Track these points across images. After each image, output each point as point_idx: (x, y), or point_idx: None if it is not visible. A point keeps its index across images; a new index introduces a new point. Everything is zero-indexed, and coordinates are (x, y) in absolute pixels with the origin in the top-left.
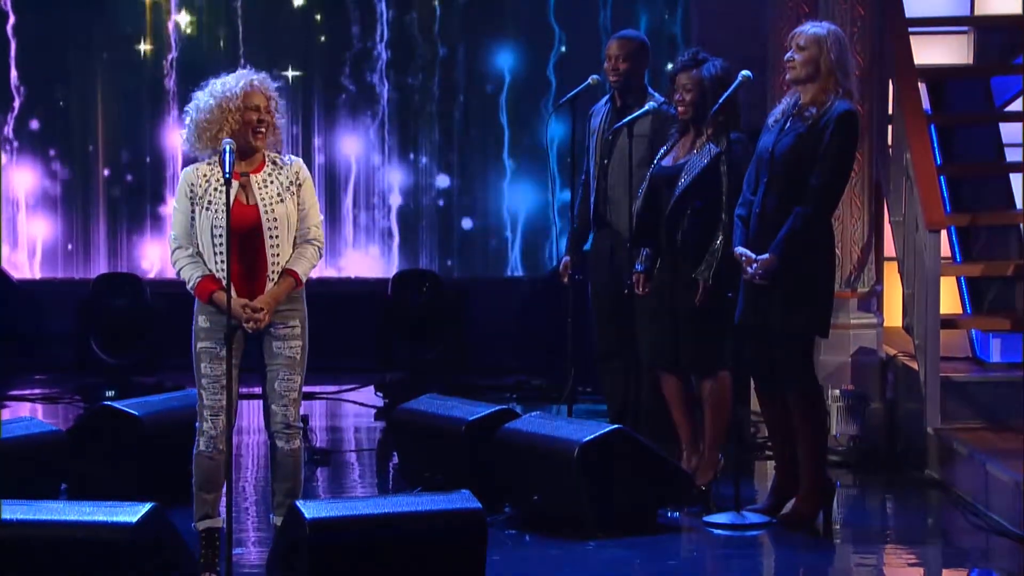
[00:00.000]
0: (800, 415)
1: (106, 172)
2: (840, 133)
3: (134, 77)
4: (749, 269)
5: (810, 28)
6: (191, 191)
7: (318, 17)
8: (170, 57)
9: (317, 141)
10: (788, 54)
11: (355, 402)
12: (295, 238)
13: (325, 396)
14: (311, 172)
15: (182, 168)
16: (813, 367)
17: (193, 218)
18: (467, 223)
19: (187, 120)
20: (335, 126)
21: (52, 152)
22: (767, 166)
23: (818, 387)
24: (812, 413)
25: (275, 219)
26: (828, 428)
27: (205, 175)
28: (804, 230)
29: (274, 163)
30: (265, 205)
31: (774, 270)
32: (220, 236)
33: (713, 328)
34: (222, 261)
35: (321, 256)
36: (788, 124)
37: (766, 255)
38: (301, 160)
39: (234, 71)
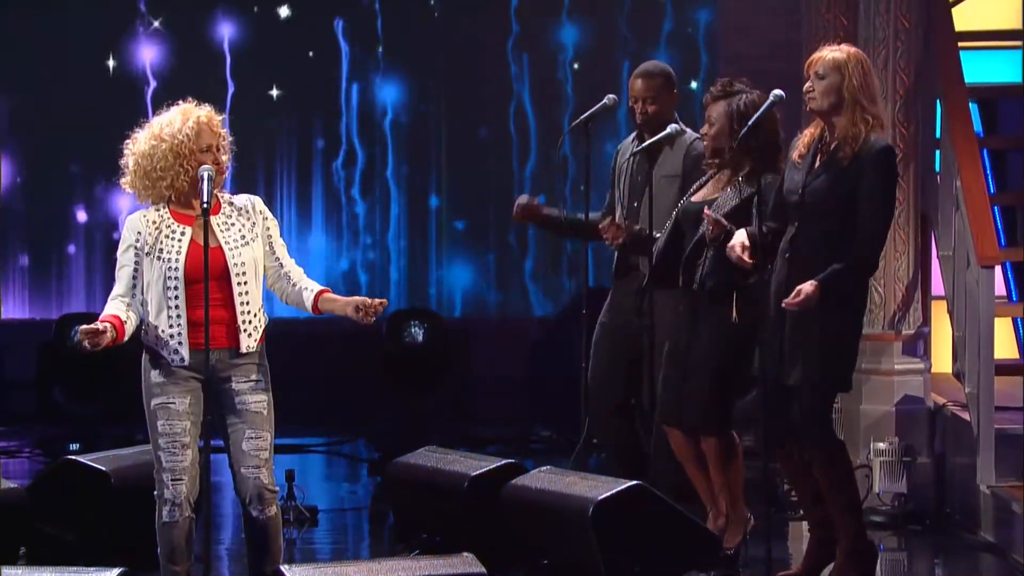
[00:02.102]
0: (823, 473)
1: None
2: (881, 175)
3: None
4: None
5: (828, 53)
6: (137, 240)
7: None
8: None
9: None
10: (807, 84)
11: (346, 455)
12: (284, 282)
13: (313, 449)
14: None
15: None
16: (832, 421)
17: (136, 271)
18: (471, 255)
19: (129, 165)
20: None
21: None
22: (796, 209)
23: (838, 440)
24: (836, 469)
25: (242, 263)
26: (857, 484)
27: (154, 222)
28: (858, 275)
29: (231, 204)
30: (230, 248)
31: (813, 300)
32: (176, 288)
33: (729, 383)
34: (178, 316)
35: None
36: (817, 163)
37: (810, 283)
38: (260, 199)
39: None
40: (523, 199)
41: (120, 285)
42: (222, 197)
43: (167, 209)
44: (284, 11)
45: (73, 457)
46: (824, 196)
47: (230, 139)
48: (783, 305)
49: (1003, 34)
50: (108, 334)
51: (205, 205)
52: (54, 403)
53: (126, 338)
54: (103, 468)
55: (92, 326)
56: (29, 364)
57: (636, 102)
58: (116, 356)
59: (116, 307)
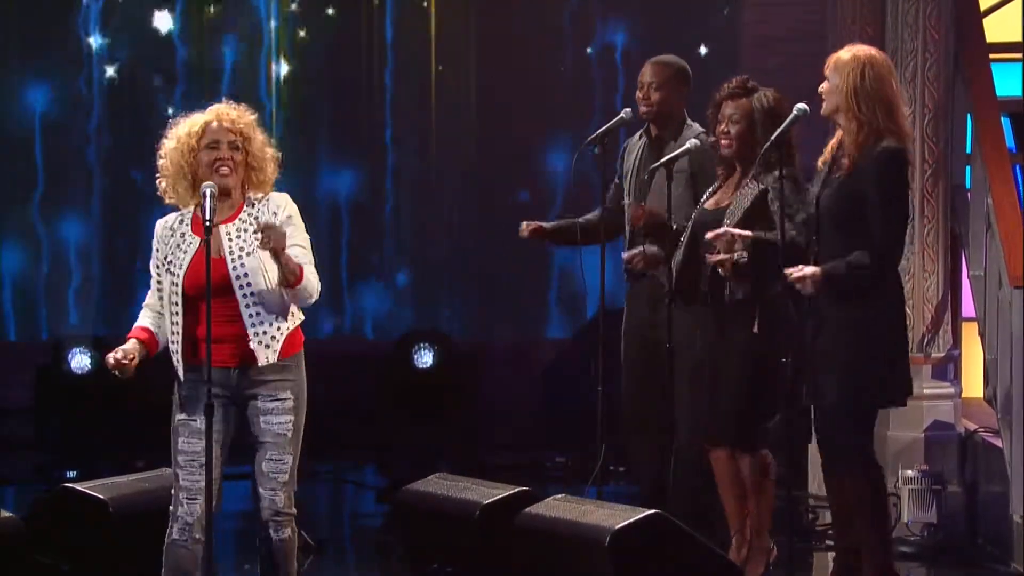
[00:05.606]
0: (863, 500)
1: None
2: (882, 177)
3: None
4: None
5: (842, 52)
6: (158, 250)
7: None
8: None
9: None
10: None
11: (354, 482)
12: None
13: (320, 476)
14: None
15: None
16: (871, 444)
17: (160, 281)
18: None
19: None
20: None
21: None
22: (814, 222)
23: (878, 466)
24: (876, 497)
25: (244, 274)
26: (892, 514)
27: (172, 229)
28: (875, 268)
29: (252, 205)
30: (233, 258)
31: (809, 285)
32: (177, 303)
33: (759, 399)
34: (177, 331)
35: (318, 293)
36: (830, 171)
37: (815, 267)
38: (286, 195)
39: None
40: (525, 227)
41: (150, 293)
42: (246, 198)
43: (191, 215)
44: None
45: (71, 485)
46: (834, 206)
47: (261, 136)
48: (785, 274)
49: (1004, 47)
50: (134, 359)
51: (208, 223)
52: (51, 429)
53: (160, 348)
54: (102, 496)
55: (118, 358)
56: (25, 388)
57: (641, 88)
58: (116, 380)
59: (145, 317)
